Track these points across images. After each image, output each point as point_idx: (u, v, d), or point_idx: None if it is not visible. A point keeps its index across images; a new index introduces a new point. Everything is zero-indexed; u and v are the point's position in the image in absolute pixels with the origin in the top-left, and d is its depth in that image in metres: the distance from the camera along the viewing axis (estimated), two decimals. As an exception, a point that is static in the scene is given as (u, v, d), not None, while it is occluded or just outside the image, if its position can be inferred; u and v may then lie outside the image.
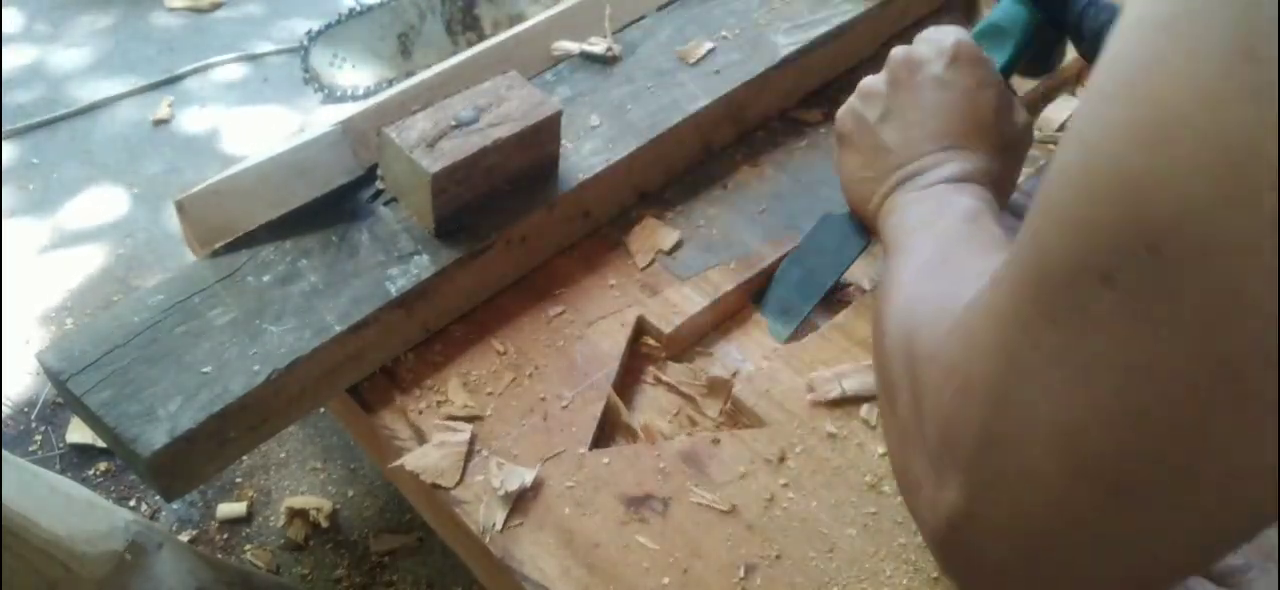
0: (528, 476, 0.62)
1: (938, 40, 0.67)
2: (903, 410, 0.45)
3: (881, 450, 0.65)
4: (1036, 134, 0.91)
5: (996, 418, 0.37)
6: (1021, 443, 0.36)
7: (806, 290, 0.73)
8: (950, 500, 0.40)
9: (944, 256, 0.54)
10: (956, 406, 0.40)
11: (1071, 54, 0.86)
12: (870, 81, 0.69)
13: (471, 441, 0.65)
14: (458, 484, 0.63)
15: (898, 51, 0.68)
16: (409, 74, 1.46)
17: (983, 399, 0.38)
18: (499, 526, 0.60)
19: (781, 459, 0.64)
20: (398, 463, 0.64)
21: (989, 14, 0.74)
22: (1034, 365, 0.35)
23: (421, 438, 0.65)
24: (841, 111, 0.70)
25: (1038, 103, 0.95)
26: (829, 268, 0.73)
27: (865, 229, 0.71)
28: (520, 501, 0.62)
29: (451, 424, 0.66)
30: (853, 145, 0.68)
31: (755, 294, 0.76)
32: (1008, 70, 0.72)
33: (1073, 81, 0.98)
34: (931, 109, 0.65)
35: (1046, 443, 0.35)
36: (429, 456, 0.63)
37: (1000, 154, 0.65)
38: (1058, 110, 0.94)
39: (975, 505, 0.39)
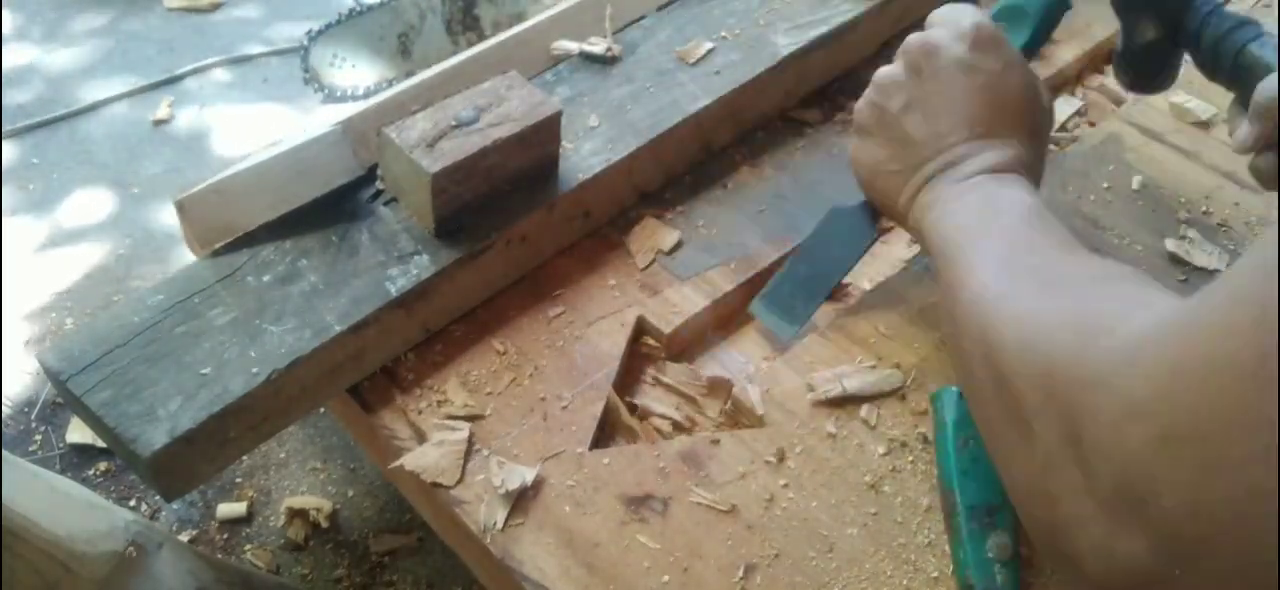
0: (529, 475, 0.62)
1: (955, 22, 0.64)
2: (1045, 445, 0.41)
3: (882, 450, 0.65)
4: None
5: (1219, 484, 0.32)
6: (1247, 520, 0.32)
7: (814, 287, 0.71)
8: (1133, 555, 0.36)
9: (1033, 261, 0.52)
10: (1151, 455, 0.35)
11: (1067, 53, 0.86)
12: (888, 72, 0.66)
13: (470, 440, 0.65)
14: (458, 483, 0.63)
15: (914, 38, 0.65)
16: (409, 74, 1.46)
17: (1199, 458, 0.33)
18: (500, 525, 0.60)
19: (781, 459, 0.64)
20: (397, 463, 0.64)
21: None
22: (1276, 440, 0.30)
23: (421, 437, 0.66)
24: (860, 104, 0.67)
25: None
26: (837, 263, 0.71)
27: (873, 222, 0.71)
28: (520, 501, 0.62)
29: (450, 423, 0.66)
30: (874, 138, 0.66)
31: (752, 296, 0.75)
32: (1028, 48, 0.70)
33: (1073, 81, 0.98)
34: (958, 96, 0.62)
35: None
36: (428, 456, 0.63)
37: (1031, 139, 0.63)
38: (1058, 110, 0.94)
39: (1172, 567, 0.35)
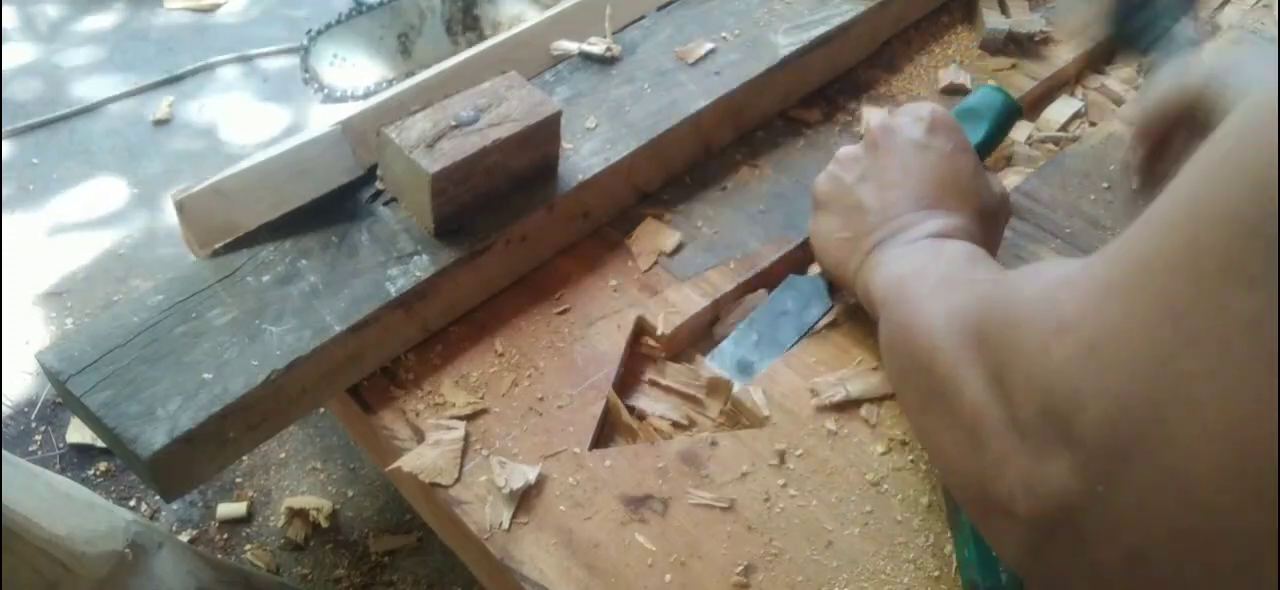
0: (531, 474, 0.62)
1: (914, 109, 0.69)
2: (971, 396, 0.42)
3: (881, 449, 0.65)
4: (1037, 133, 0.91)
5: (1142, 386, 0.32)
6: (1173, 423, 0.31)
7: (767, 348, 0.72)
8: (1057, 477, 0.35)
9: (974, 274, 0.54)
10: (1074, 368, 0.35)
11: (1067, 53, 0.87)
12: (848, 149, 0.70)
13: (466, 438, 0.65)
14: (456, 482, 0.63)
15: (875, 118, 0.70)
16: (409, 74, 1.46)
17: (1123, 364, 0.33)
18: (505, 525, 0.60)
19: (781, 459, 0.64)
20: (395, 465, 0.64)
21: (965, 99, 0.79)
22: (1213, 332, 0.30)
23: (421, 438, 0.65)
24: (820, 177, 0.71)
25: (1038, 102, 0.95)
26: (791, 328, 0.73)
27: (831, 293, 0.74)
28: (521, 501, 0.62)
29: (446, 422, 0.66)
30: (829, 209, 0.69)
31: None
32: (982, 146, 0.76)
33: (1073, 81, 0.98)
34: (910, 170, 0.66)
35: (1211, 430, 0.30)
36: (425, 456, 0.63)
37: (979, 219, 0.66)
38: (1058, 111, 0.94)
39: (1095, 484, 0.34)
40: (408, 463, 0.63)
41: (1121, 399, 0.33)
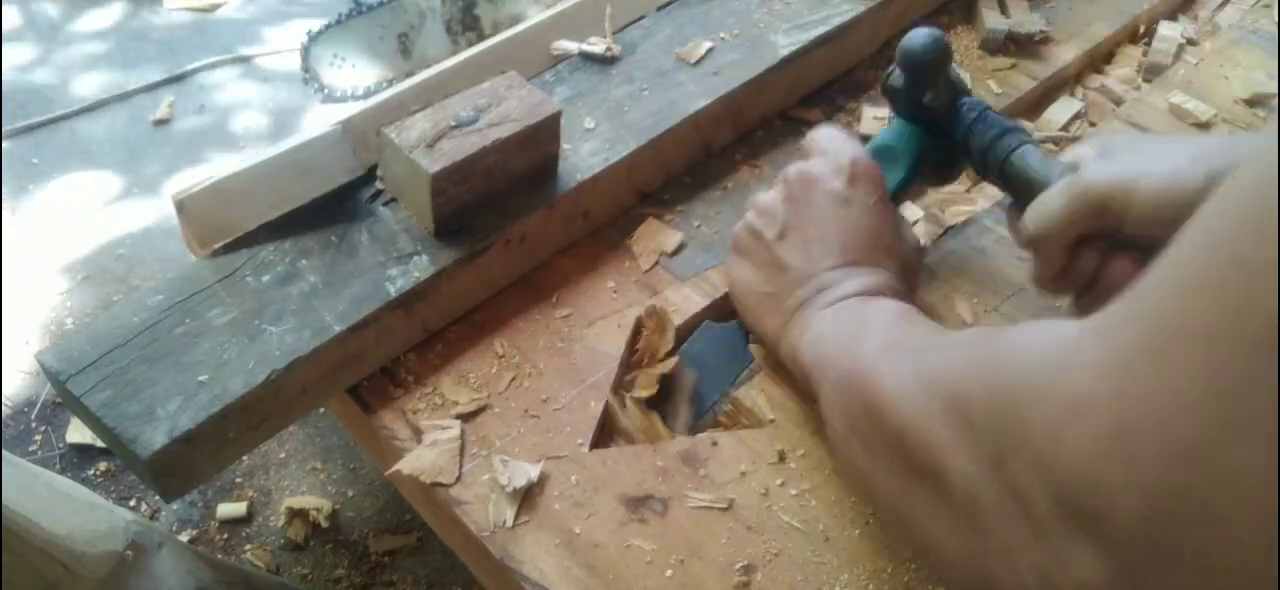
0: (533, 472, 0.62)
1: (835, 155, 0.66)
2: (962, 480, 0.38)
3: (881, 450, 0.65)
4: (1036, 134, 0.91)
5: (1182, 476, 0.29)
6: (1221, 518, 0.28)
7: (697, 403, 0.70)
8: (1083, 571, 0.32)
9: (916, 339, 0.51)
10: (1097, 456, 0.31)
11: (1066, 54, 0.86)
12: (766, 199, 0.68)
13: (463, 436, 0.65)
14: (456, 481, 0.63)
15: (792, 169, 0.67)
16: (409, 74, 1.46)
17: (1157, 451, 0.29)
18: (509, 523, 0.60)
19: (781, 459, 0.64)
20: (394, 469, 0.64)
21: (878, 134, 0.74)
22: (1267, 410, 0.27)
23: (420, 437, 0.65)
24: (738, 227, 0.69)
25: (1038, 102, 0.95)
26: (713, 384, 0.70)
27: (747, 345, 0.71)
28: (522, 500, 0.62)
29: (442, 422, 0.65)
30: (750, 261, 0.68)
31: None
32: (901, 188, 0.71)
33: (1073, 81, 0.98)
34: (830, 225, 0.64)
35: (1265, 523, 0.27)
36: (424, 458, 0.63)
37: (901, 272, 0.65)
38: (1059, 111, 0.94)
39: (1129, 578, 0.31)
40: (407, 465, 0.63)
41: (1158, 491, 0.29)
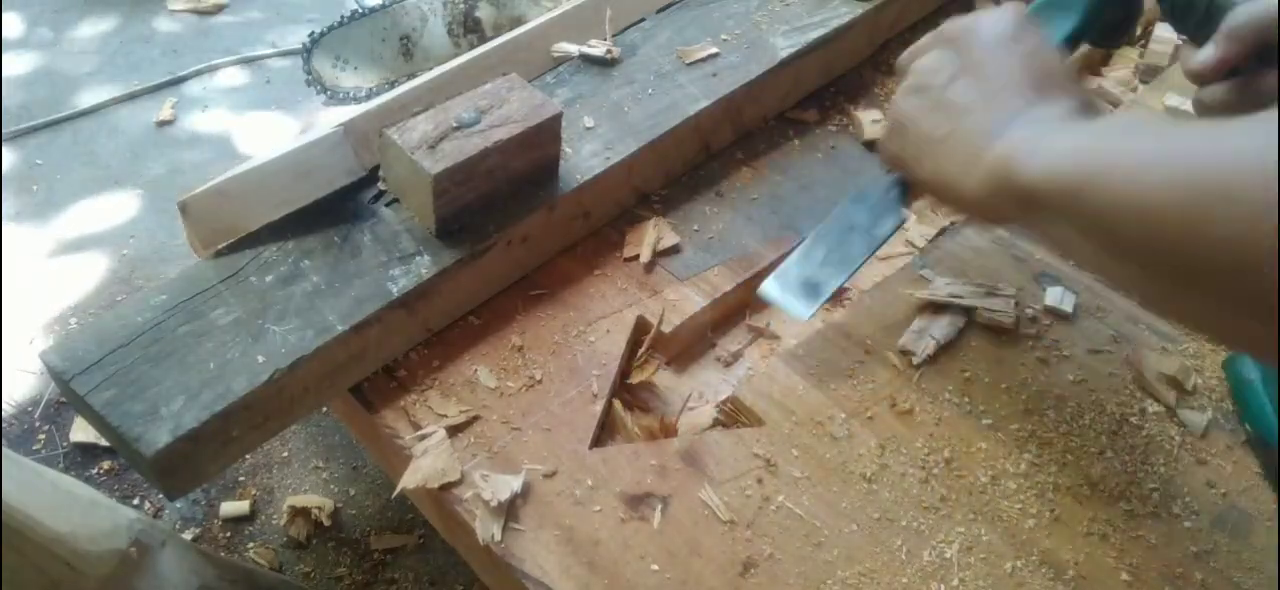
0: (516, 483, 0.62)
1: (994, 10, 0.63)
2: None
3: (876, 446, 0.66)
4: None
5: None
6: None
7: (836, 265, 0.66)
8: None
9: (1232, 122, 0.45)
10: None
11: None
12: (925, 60, 0.64)
13: (454, 432, 0.65)
14: (461, 480, 0.63)
15: (949, 23, 0.64)
16: (411, 76, 1.46)
17: None
18: (498, 536, 0.61)
19: (780, 458, 0.65)
20: (398, 488, 0.64)
21: None
22: None
23: (421, 439, 0.66)
24: (896, 98, 0.65)
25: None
26: (862, 243, 0.67)
27: (902, 204, 0.67)
28: (521, 501, 0.62)
29: (429, 427, 0.66)
30: (918, 122, 0.63)
31: (751, 296, 0.74)
32: (1072, 37, 0.68)
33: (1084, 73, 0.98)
34: (1007, 63, 0.60)
35: None
36: (422, 468, 0.64)
37: (1090, 108, 0.60)
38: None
39: None
40: (409, 479, 0.63)
41: None
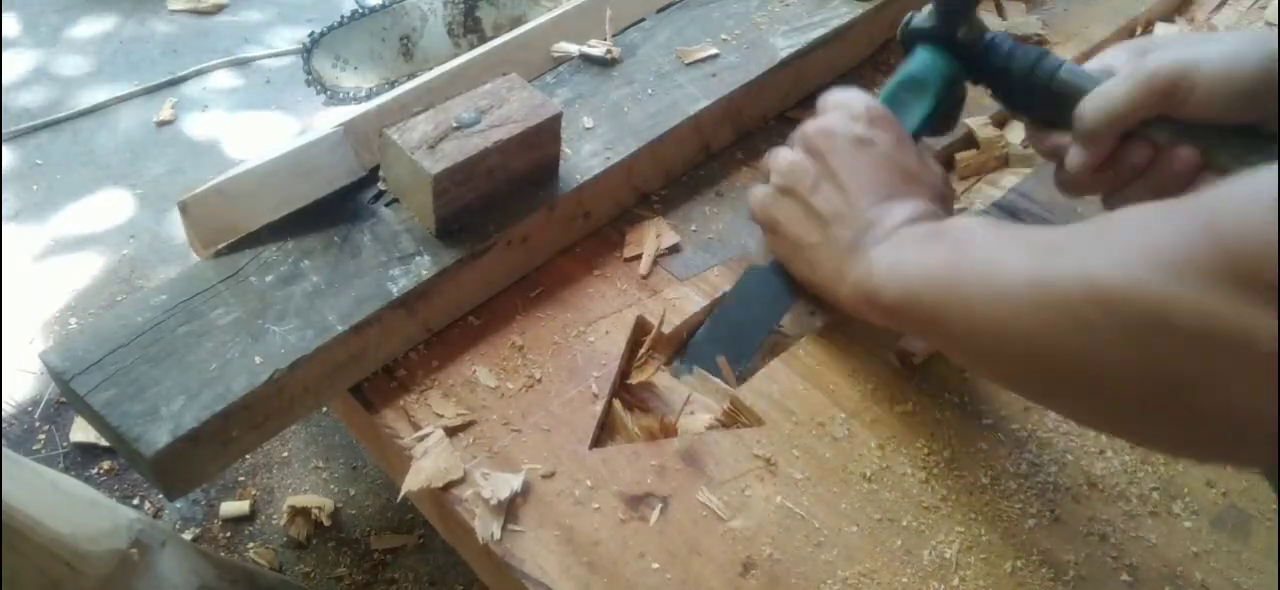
0: (516, 482, 0.62)
1: (847, 106, 0.68)
2: (1269, 331, 0.37)
3: (877, 446, 0.66)
4: None
5: None
6: None
7: (738, 346, 0.72)
8: None
9: (1056, 233, 0.49)
10: None
11: (1064, 54, 0.86)
12: (787, 157, 0.69)
13: (454, 433, 0.65)
14: (463, 478, 0.63)
15: (809, 125, 0.68)
16: (411, 76, 1.46)
17: None
18: (497, 535, 0.61)
19: (780, 458, 0.65)
20: (402, 493, 0.64)
21: (902, 66, 0.73)
22: None
23: (420, 439, 0.66)
24: (760, 195, 0.70)
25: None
26: (760, 322, 0.72)
27: (793, 283, 0.72)
28: (521, 501, 0.62)
29: (428, 428, 0.66)
30: (785, 221, 0.68)
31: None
32: (925, 123, 0.72)
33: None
34: (859, 169, 0.65)
35: None
36: (424, 469, 0.64)
37: (936, 199, 0.65)
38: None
39: None
40: (412, 481, 0.63)
41: None
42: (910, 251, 0.59)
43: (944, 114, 0.73)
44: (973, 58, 0.70)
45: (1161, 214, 0.43)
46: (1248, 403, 0.39)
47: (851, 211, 0.64)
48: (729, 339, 0.72)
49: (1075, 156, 0.63)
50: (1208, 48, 0.58)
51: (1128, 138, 0.62)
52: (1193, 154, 0.60)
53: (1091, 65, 0.65)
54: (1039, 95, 0.67)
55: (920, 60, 0.72)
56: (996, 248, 0.52)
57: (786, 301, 0.73)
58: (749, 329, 0.72)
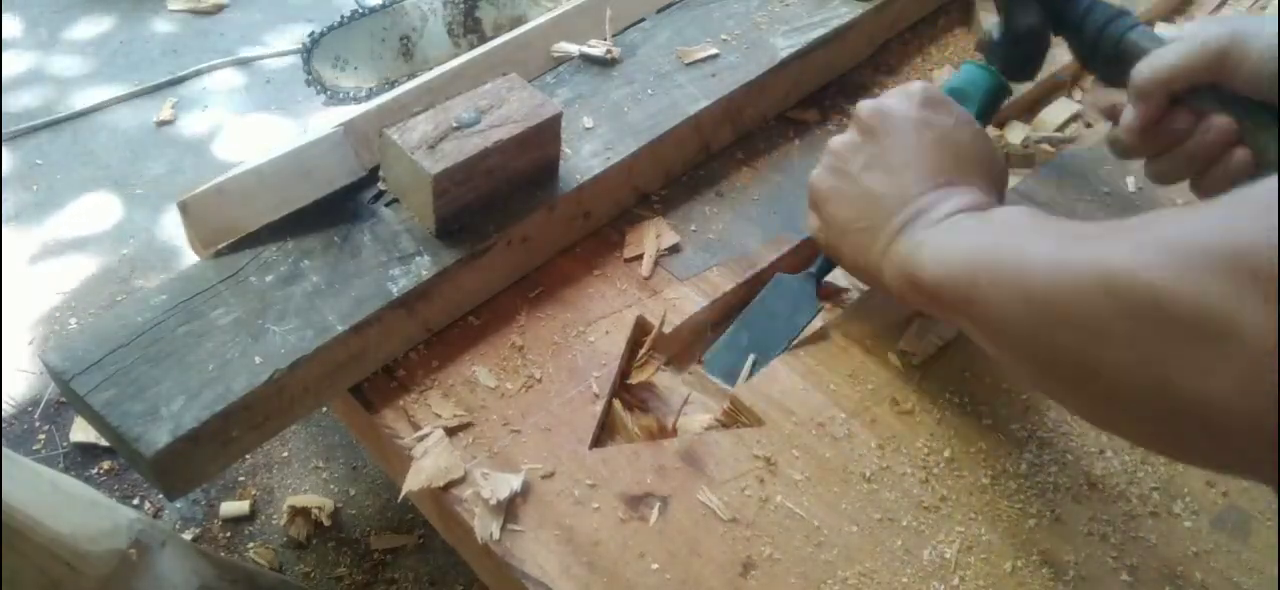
0: (516, 482, 0.62)
1: (903, 89, 0.68)
2: (1255, 329, 0.37)
3: (877, 446, 0.66)
4: (1033, 134, 0.92)
5: None
6: None
7: (760, 353, 0.72)
8: None
9: (1090, 226, 0.48)
10: None
11: (1065, 55, 0.86)
12: (841, 139, 0.68)
13: (452, 432, 0.65)
14: (464, 477, 0.63)
15: (863, 105, 0.68)
16: (411, 76, 1.46)
17: None
18: (496, 534, 0.61)
19: (780, 458, 0.65)
20: (402, 493, 0.64)
21: (949, 78, 0.77)
22: None
23: (420, 439, 0.66)
24: (816, 173, 0.69)
25: (1036, 104, 0.96)
26: (781, 333, 0.73)
27: (817, 296, 0.73)
28: (521, 501, 0.62)
29: (428, 428, 0.66)
30: (835, 203, 0.67)
31: (751, 297, 0.75)
32: (986, 113, 0.75)
33: (1069, 85, 0.99)
34: (915, 150, 0.64)
35: None
36: (424, 469, 0.64)
37: (992, 187, 0.65)
38: (1056, 112, 0.94)
39: None
40: (413, 481, 0.63)
41: None
42: (957, 238, 0.58)
43: (1016, 66, 0.77)
44: (1059, 8, 0.73)
45: (1192, 211, 0.43)
46: (1229, 399, 0.39)
47: (903, 193, 0.63)
48: (750, 348, 0.72)
49: (1127, 115, 0.65)
50: (1265, 25, 0.59)
51: (1176, 103, 0.63)
52: (1227, 124, 0.62)
53: (1169, 31, 0.67)
54: (1108, 53, 0.69)
55: (966, 74, 0.76)
56: (1030, 233, 0.52)
57: (810, 312, 0.73)
58: (772, 337, 0.73)
